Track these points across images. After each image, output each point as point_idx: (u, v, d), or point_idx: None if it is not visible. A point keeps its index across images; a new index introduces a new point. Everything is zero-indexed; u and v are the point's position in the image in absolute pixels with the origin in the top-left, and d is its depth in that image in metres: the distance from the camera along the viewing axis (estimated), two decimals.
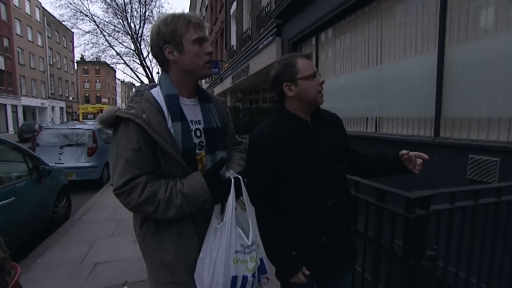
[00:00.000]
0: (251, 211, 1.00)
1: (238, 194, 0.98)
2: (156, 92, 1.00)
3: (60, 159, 5.40)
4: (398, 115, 3.16)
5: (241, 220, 1.00)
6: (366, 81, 3.66)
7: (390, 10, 3.31)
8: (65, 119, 37.06)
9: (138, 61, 18.06)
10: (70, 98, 40.36)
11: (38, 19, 31.47)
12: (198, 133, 1.02)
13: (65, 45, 38.51)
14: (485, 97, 2.33)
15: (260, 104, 12.27)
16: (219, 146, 1.06)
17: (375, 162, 1.23)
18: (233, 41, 12.57)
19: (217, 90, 15.23)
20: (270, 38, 6.67)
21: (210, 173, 0.98)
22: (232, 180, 0.96)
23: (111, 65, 26.07)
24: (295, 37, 5.45)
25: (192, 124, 1.01)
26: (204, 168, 1.03)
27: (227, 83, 12.67)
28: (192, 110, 1.04)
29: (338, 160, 1.15)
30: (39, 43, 31.67)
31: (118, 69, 35.45)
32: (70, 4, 16.46)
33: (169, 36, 0.96)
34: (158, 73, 19.48)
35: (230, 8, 12.65)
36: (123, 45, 19.65)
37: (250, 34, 9.54)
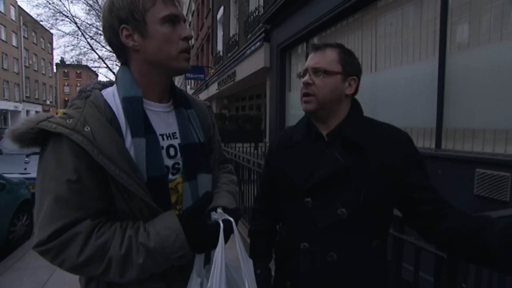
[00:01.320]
0: (248, 266, 0.69)
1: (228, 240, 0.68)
2: (111, 94, 0.69)
3: (25, 169, 4.80)
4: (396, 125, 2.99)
5: (234, 276, 0.69)
6: (360, 89, 3.49)
7: (385, 15, 3.17)
8: None
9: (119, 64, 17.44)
10: (48, 102, 38.60)
11: (13, 18, 29.99)
12: (172, 151, 0.72)
13: (43, 47, 36.89)
14: (491, 107, 2.18)
15: (247, 111, 12.05)
16: (201, 167, 0.77)
17: (464, 235, 0.69)
18: (220, 47, 12.36)
19: (203, 96, 14.92)
20: (258, 43, 6.49)
21: (189, 215, 0.65)
22: (221, 224, 0.65)
23: (92, 68, 25.22)
24: (284, 42, 5.29)
25: (163, 139, 0.72)
26: (181, 199, 0.73)
27: (213, 89, 12.40)
28: (164, 119, 0.74)
29: (340, 197, 0.80)
30: (14, 43, 30.07)
31: (101, 73, 34.44)
32: (49, 3, 15.75)
33: (127, 12, 0.66)
34: None
35: (217, 13, 12.48)
36: (106, 48, 18.90)
37: (237, 39, 9.36)
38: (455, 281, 1.01)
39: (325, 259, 0.80)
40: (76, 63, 21.52)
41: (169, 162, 0.71)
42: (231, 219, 0.67)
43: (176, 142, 0.74)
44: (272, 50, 5.93)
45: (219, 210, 0.69)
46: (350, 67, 0.85)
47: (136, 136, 0.65)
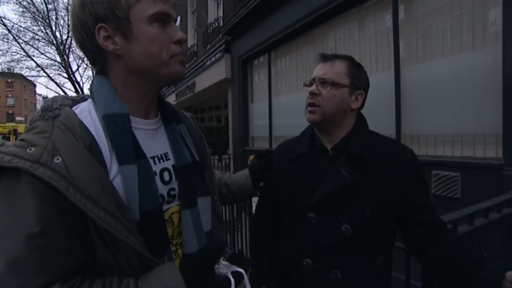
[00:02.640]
0: None
1: None
2: (86, 111, 0.55)
3: None
4: None
5: None
6: None
7: (344, 28, 3.39)
8: None
9: (65, 75, 15.81)
10: None
11: None
12: (166, 175, 0.60)
13: None
14: (439, 114, 2.44)
15: (206, 123, 11.83)
16: (200, 189, 0.65)
17: (453, 268, 0.71)
18: None
19: None
20: (219, 54, 6.47)
21: (195, 269, 0.53)
22: (232, 281, 0.55)
23: (29, 78, 22.51)
24: (246, 54, 5.35)
25: (155, 162, 0.59)
26: (177, 231, 0.61)
27: (170, 100, 11.90)
28: (153, 138, 0.62)
29: (344, 214, 0.78)
30: None
31: (39, 83, 30.82)
32: None
33: (105, 8, 0.53)
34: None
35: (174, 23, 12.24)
36: (46, 56, 16.89)
37: (196, 50, 9.24)
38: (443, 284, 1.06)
39: (329, 277, 0.78)
40: (6, 71, 18.98)
41: (163, 190, 0.59)
42: (242, 270, 0.59)
43: (169, 164, 0.62)
44: (233, 61, 5.95)
45: (224, 262, 0.59)
46: (359, 80, 0.85)
47: (125, 163, 0.52)
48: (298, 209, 0.84)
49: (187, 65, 9.98)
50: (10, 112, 44.01)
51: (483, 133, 2.20)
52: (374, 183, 0.78)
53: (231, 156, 6.29)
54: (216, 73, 6.75)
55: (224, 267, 0.58)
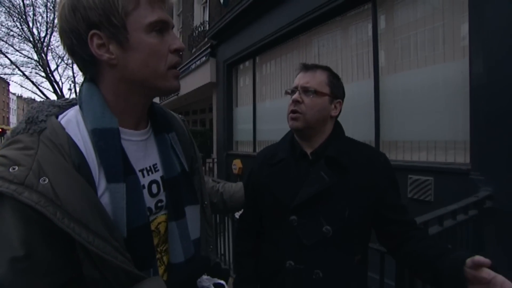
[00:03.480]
0: None
1: None
2: (74, 122, 0.52)
3: None
4: None
5: None
6: None
7: (328, 35, 3.51)
8: None
9: (43, 74, 15.14)
10: None
11: None
12: (154, 188, 0.59)
13: None
14: (414, 122, 2.57)
15: (190, 127, 11.70)
16: (188, 199, 0.65)
17: (422, 261, 0.77)
18: None
19: None
20: (204, 58, 6.47)
21: (179, 283, 0.55)
22: None
23: (1, 75, 21.42)
24: (231, 58, 5.39)
25: (144, 175, 0.58)
26: (163, 239, 0.61)
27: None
28: (142, 150, 0.60)
29: (325, 215, 0.81)
30: None
31: (13, 81, 29.33)
32: None
33: (100, 15, 0.49)
34: (70, 89, 16.58)
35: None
36: (21, 53, 16.09)
37: (181, 53, 9.19)
38: (414, 281, 1.13)
39: (311, 277, 0.81)
40: None
41: (151, 203, 0.58)
42: (223, 282, 0.61)
43: (158, 175, 0.61)
44: (218, 65, 5.97)
45: (206, 276, 0.61)
46: (337, 90, 0.90)
47: (113, 181, 0.50)
48: (280, 212, 0.86)
49: None
50: None
51: (453, 140, 2.34)
52: (351, 185, 0.82)
53: (215, 160, 6.27)
54: (201, 76, 6.74)
55: (206, 280, 0.60)
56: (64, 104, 0.56)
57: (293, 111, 0.87)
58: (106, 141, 0.51)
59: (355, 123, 3.02)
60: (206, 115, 10.54)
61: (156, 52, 0.53)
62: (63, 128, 0.50)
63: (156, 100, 7.70)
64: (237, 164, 5.03)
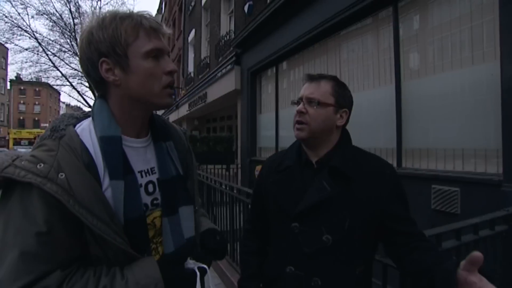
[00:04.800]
0: None
1: None
2: (87, 130, 0.65)
3: None
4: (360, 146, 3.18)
5: None
6: None
7: (347, 43, 3.45)
8: None
9: (87, 84, 16.66)
10: None
11: None
12: (150, 187, 0.71)
13: None
14: (440, 128, 2.43)
15: (218, 132, 12.02)
16: (182, 199, 0.75)
17: (420, 269, 0.76)
18: (191, 68, 12.44)
19: (173, 117, 14.69)
20: (229, 66, 6.66)
21: (169, 263, 0.65)
22: (198, 273, 0.67)
23: (54, 86, 23.81)
24: (255, 66, 5.49)
25: (141, 176, 0.70)
26: (159, 232, 0.71)
27: (184, 110, 12.29)
28: (142, 155, 0.72)
29: (326, 224, 0.82)
30: None
31: (63, 91, 32.31)
32: (6, 17, 14.76)
33: (107, 46, 0.62)
34: None
35: (188, 35, 12.67)
36: (70, 66, 17.80)
37: (208, 62, 9.52)
38: None
39: (310, 284, 0.81)
40: (34, 80, 20.15)
41: (147, 199, 0.69)
42: (205, 266, 0.69)
43: (154, 177, 0.72)
44: (242, 73, 6.11)
45: (192, 260, 0.70)
46: (343, 99, 0.90)
47: (114, 178, 0.62)
48: (283, 218, 0.88)
49: (199, 76, 10.28)
50: (36, 119, 46.31)
51: (484, 148, 2.17)
52: (354, 196, 0.82)
53: (239, 165, 6.37)
54: (226, 84, 6.93)
55: (192, 263, 0.69)
56: (81, 116, 0.70)
57: (298, 122, 0.88)
58: (110, 146, 0.63)
59: (376, 130, 2.92)
60: (232, 121, 10.76)
61: (151, 74, 0.65)
62: (78, 136, 0.63)
63: (185, 107, 8.08)
64: (260, 170, 5.07)
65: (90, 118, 0.67)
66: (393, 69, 2.76)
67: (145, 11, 0.67)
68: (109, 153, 0.62)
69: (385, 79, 2.91)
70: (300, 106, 0.88)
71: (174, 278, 0.63)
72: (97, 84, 0.67)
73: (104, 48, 0.62)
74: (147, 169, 0.71)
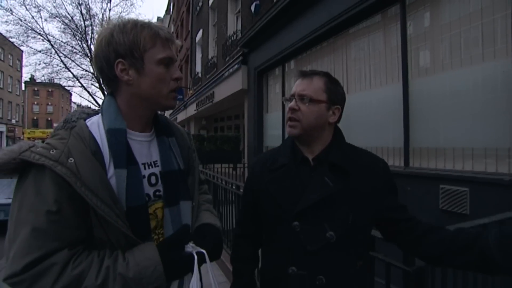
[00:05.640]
0: None
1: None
2: (96, 124, 0.71)
3: None
4: (367, 146, 3.14)
5: None
6: None
7: (355, 41, 3.42)
8: (4, 144, 32.97)
9: (97, 84, 17.01)
10: (13, 122, 36.28)
11: None
12: (153, 179, 0.75)
13: (11, 63, 34.92)
14: (449, 127, 2.38)
15: (225, 132, 12.08)
16: (182, 194, 0.79)
17: (458, 247, 0.75)
18: (198, 68, 12.52)
19: (181, 117, 14.82)
20: (236, 66, 6.68)
21: (168, 247, 0.68)
22: (195, 257, 0.69)
23: (66, 87, 24.34)
24: (261, 66, 5.49)
25: (145, 167, 0.74)
26: (161, 223, 0.75)
27: (191, 110, 12.39)
28: (145, 148, 0.77)
29: (329, 220, 0.81)
30: None
31: (75, 92, 33.08)
32: (21, 20, 15.19)
33: (126, 49, 0.69)
34: None
35: (196, 35, 12.76)
36: (81, 67, 18.17)
37: (216, 61, 9.56)
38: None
39: (314, 283, 0.80)
40: (47, 81, 20.61)
41: (150, 190, 0.74)
42: (203, 251, 0.71)
43: (157, 170, 0.76)
44: (249, 72, 6.12)
45: (191, 244, 0.72)
46: (335, 96, 0.89)
47: (118, 167, 0.67)
48: (282, 218, 0.86)
49: (207, 76, 10.34)
50: (49, 119, 47.43)
51: (495, 147, 2.12)
52: (353, 190, 0.82)
53: (246, 165, 6.38)
54: (233, 83, 6.96)
55: (190, 247, 0.71)
56: (91, 112, 0.76)
57: (290, 119, 0.88)
58: (116, 137, 0.69)
59: (383, 129, 2.89)
60: (240, 120, 10.79)
61: (162, 79, 0.72)
62: (87, 127, 0.69)
63: (193, 107, 8.15)
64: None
65: (100, 114, 0.73)
66: (400, 67, 2.73)
67: (159, 24, 0.76)
68: (115, 144, 0.68)
69: (393, 78, 2.87)
70: (292, 103, 0.87)
71: (173, 261, 0.66)
72: (109, 80, 0.73)
73: (123, 50, 0.69)
74: (150, 162, 0.76)
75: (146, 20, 0.73)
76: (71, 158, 0.61)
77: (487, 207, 1.97)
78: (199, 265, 0.70)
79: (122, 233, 0.64)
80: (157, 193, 0.75)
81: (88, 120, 0.71)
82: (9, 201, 4.46)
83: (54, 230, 0.59)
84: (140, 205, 0.69)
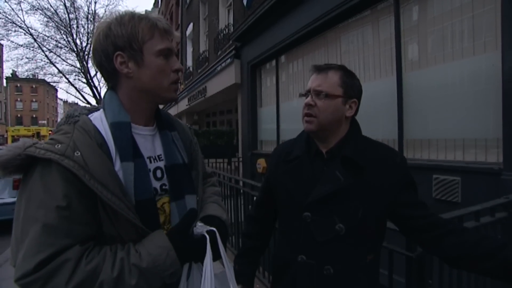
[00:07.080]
0: (231, 271, 0.73)
1: (216, 253, 0.71)
2: (99, 119, 0.70)
3: None
4: None
5: (221, 283, 0.72)
6: None
7: (347, 34, 3.45)
8: None
9: (84, 80, 16.54)
10: None
11: None
12: (158, 173, 0.75)
13: None
14: (441, 119, 2.45)
15: (218, 127, 12.02)
16: (187, 187, 0.79)
17: (481, 252, 0.75)
18: (189, 63, 12.36)
19: (172, 111, 14.63)
20: (229, 60, 6.63)
21: (177, 232, 0.68)
22: (207, 237, 0.69)
23: (51, 83, 23.63)
24: (255, 59, 5.47)
25: (150, 161, 0.74)
26: (169, 219, 0.75)
27: (183, 105, 12.26)
28: (149, 142, 0.76)
29: (339, 213, 0.82)
30: None
31: (61, 88, 32.10)
32: None
33: (124, 41, 0.68)
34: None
35: (186, 29, 12.56)
36: (67, 62, 17.53)
37: (207, 56, 9.46)
38: (423, 276, 1.11)
39: (322, 272, 0.83)
40: (31, 77, 19.96)
41: (156, 184, 0.73)
42: (214, 228, 0.71)
43: (162, 164, 0.76)
44: (242, 66, 6.09)
45: (200, 223, 0.72)
46: (351, 89, 0.88)
47: (125, 160, 0.66)
48: (294, 208, 0.88)
49: (199, 70, 10.23)
50: (34, 116, 46.03)
51: (484, 137, 2.20)
52: (366, 185, 0.82)
53: (240, 159, 6.40)
54: (226, 78, 6.91)
55: (200, 227, 0.71)
56: (92, 108, 0.75)
57: (306, 114, 0.88)
58: (120, 130, 0.68)
59: (377, 121, 2.95)
60: (232, 115, 10.76)
61: (162, 70, 0.71)
62: (91, 121, 0.69)
63: (185, 101, 8.07)
64: (261, 163, 5.11)
65: (101, 109, 0.72)
66: (394, 60, 2.78)
67: (157, 15, 0.74)
68: (120, 137, 0.67)
69: (386, 70, 2.92)
70: (308, 98, 0.87)
71: (184, 244, 0.66)
72: (109, 75, 0.72)
73: (121, 42, 0.68)
74: (155, 156, 0.76)
75: (143, 12, 0.73)
76: (77, 151, 0.60)
77: (478, 195, 2.05)
78: (213, 246, 0.70)
79: (133, 225, 0.63)
80: (164, 187, 0.75)
81: (90, 115, 0.70)
82: (1, 200, 4.29)
83: (65, 226, 0.58)
84: (148, 198, 0.68)
